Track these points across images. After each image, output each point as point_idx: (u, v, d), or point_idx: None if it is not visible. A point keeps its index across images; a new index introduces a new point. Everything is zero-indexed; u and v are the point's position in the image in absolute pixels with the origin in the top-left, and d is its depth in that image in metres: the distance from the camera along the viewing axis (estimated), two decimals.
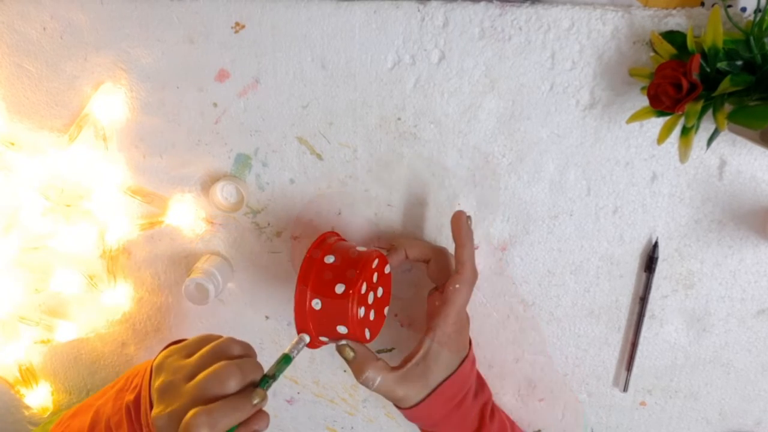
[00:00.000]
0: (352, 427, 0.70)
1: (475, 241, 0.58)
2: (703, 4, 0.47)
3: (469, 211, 0.57)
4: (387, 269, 0.53)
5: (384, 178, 0.57)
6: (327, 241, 0.53)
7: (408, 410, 0.52)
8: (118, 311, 0.66)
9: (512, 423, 0.61)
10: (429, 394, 0.51)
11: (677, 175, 0.53)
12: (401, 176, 0.57)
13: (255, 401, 0.40)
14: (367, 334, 0.51)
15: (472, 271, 0.51)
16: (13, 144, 0.59)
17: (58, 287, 0.63)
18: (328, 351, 0.65)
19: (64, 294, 0.65)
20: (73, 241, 0.61)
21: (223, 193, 0.60)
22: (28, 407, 0.70)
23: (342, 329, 0.49)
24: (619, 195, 0.54)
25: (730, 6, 0.45)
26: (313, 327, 0.50)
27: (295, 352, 0.46)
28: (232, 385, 0.40)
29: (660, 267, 0.56)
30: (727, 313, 0.57)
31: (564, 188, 0.55)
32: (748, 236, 0.54)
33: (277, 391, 0.69)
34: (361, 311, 0.49)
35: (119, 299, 0.65)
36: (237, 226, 0.61)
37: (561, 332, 0.60)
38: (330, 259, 0.50)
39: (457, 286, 0.50)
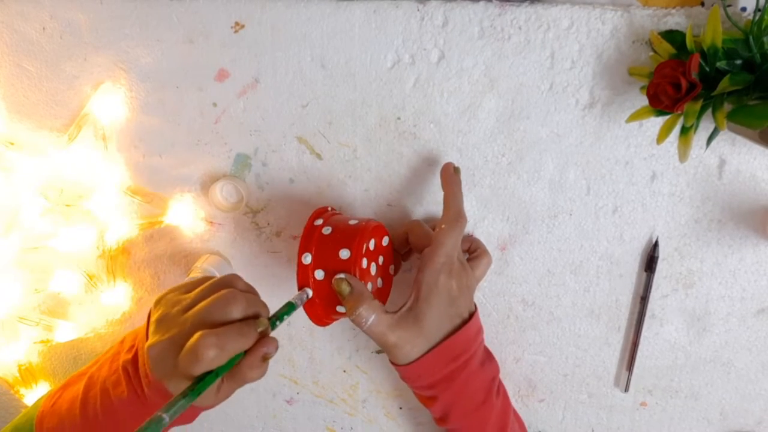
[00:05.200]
0: (351, 428, 0.70)
1: None
2: (702, 4, 0.47)
3: (469, 211, 0.57)
4: (385, 241, 0.53)
5: (384, 178, 0.57)
6: (324, 214, 0.53)
7: (404, 367, 0.50)
8: (118, 311, 0.66)
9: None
10: (427, 352, 0.49)
11: (677, 174, 0.53)
12: (401, 176, 0.57)
13: (260, 329, 0.39)
14: (379, 283, 0.52)
15: (457, 214, 0.50)
16: (13, 144, 0.59)
17: (58, 287, 0.63)
18: (327, 352, 0.65)
19: (64, 294, 0.64)
20: (73, 241, 0.60)
21: (223, 193, 0.60)
22: (27, 408, 0.70)
23: (345, 253, 0.48)
24: (619, 194, 0.54)
25: (729, 5, 0.45)
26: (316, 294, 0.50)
27: (299, 301, 0.46)
28: (236, 311, 0.39)
29: (660, 266, 0.56)
30: (727, 312, 0.56)
31: (564, 188, 0.55)
32: (747, 235, 0.54)
33: (276, 392, 0.69)
34: (365, 262, 0.49)
35: (119, 299, 0.65)
36: (237, 226, 0.61)
37: (561, 332, 0.60)
38: (327, 230, 0.50)
39: (443, 226, 0.49)
